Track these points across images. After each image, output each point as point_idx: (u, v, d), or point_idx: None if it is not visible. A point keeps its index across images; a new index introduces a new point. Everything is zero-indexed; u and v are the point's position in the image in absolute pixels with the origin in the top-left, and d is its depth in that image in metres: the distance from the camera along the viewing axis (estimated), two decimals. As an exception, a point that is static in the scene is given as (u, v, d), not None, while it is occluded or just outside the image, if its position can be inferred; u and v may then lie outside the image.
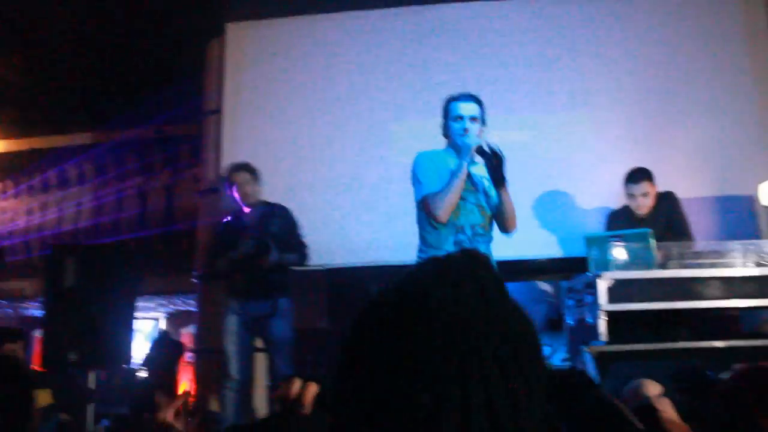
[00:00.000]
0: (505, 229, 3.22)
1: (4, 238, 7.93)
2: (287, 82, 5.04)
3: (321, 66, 5.04)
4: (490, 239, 3.17)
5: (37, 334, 6.22)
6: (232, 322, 3.86)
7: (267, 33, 5.17)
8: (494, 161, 3.00)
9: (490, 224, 3.19)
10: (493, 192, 3.14)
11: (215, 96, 5.23)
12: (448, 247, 3.05)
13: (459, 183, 3.05)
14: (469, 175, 3.11)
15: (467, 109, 3.14)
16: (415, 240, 3.24)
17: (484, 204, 3.15)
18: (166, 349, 5.13)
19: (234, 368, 3.81)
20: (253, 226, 3.97)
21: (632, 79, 4.91)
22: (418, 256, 3.18)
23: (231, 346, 3.83)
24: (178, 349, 5.64)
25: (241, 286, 3.88)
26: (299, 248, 4.01)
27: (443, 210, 3.05)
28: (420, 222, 3.23)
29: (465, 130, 3.10)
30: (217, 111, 5.15)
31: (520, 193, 3.01)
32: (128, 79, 6.72)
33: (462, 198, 3.09)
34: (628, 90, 4.89)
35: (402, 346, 0.59)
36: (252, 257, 3.83)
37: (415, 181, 3.23)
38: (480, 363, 0.58)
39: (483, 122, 3.18)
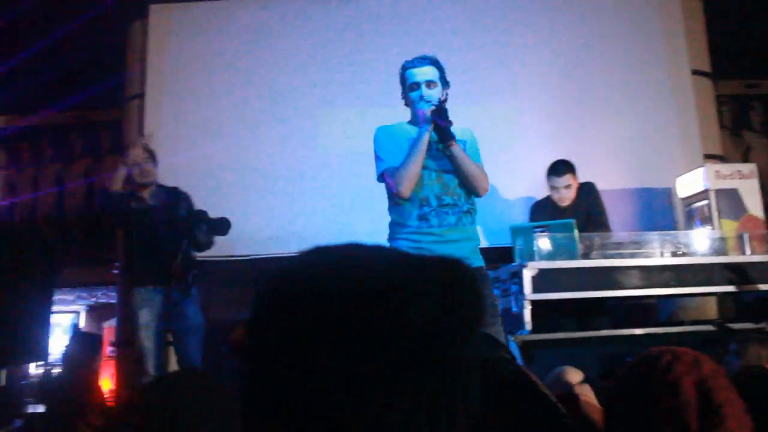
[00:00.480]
0: (473, 191, 2.91)
1: None
2: (213, 67, 4.88)
3: (248, 50, 4.91)
4: (463, 210, 2.88)
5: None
6: (145, 316, 3.68)
7: (192, 15, 4.99)
8: (435, 115, 2.78)
9: (466, 193, 2.91)
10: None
11: (138, 80, 5.02)
12: (412, 222, 2.83)
13: (418, 153, 2.80)
14: (432, 142, 2.87)
15: (422, 73, 2.89)
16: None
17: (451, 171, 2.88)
18: (81, 343, 4.91)
19: (151, 364, 3.65)
20: (161, 209, 3.81)
21: (556, 73, 4.99)
22: (388, 236, 2.96)
23: (147, 341, 3.66)
24: (95, 343, 5.40)
25: (156, 273, 3.70)
26: (221, 223, 3.88)
27: (403, 184, 2.81)
28: (388, 200, 3.00)
29: (421, 97, 2.87)
30: (140, 95, 4.94)
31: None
32: (47, 62, 6.39)
33: (424, 167, 2.84)
34: (551, 84, 4.96)
35: (344, 353, 0.51)
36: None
37: (376, 157, 2.98)
38: (442, 388, 0.52)
39: (444, 83, 2.94)
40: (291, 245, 4.49)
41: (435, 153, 2.88)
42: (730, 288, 3.47)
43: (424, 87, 2.88)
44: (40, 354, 4.97)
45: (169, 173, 4.64)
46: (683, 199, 4.65)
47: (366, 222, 4.39)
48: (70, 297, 7.42)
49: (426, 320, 0.52)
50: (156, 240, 3.73)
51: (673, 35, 5.15)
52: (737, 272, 3.46)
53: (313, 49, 4.92)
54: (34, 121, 7.31)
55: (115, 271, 4.94)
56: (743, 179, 4.34)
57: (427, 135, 2.81)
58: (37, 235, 6.51)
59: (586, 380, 2.07)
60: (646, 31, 5.15)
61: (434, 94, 2.87)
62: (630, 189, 4.83)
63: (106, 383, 6.82)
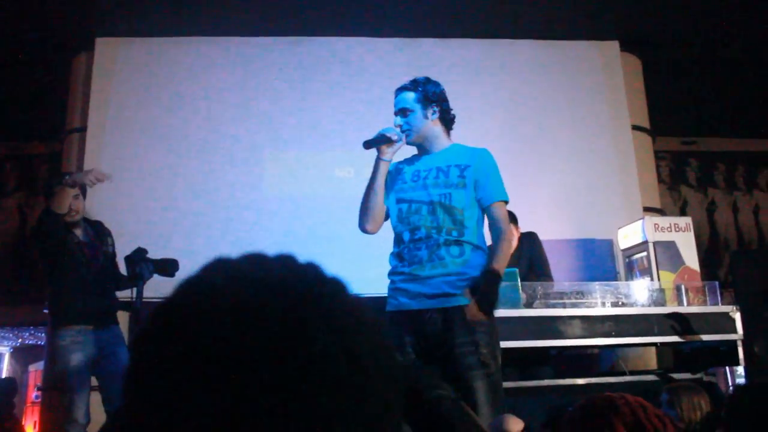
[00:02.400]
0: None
1: None
2: (157, 103, 4.82)
3: (193, 88, 4.87)
4: (439, 242, 2.58)
5: None
6: (77, 360, 3.49)
7: (138, 50, 4.94)
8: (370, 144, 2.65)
9: (451, 223, 2.61)
10: (442, 181, 2.66)
11: (79, 113, 4.91)
12: (392, 261, 2.69)
13: (370, 185, 2.68)
14: (401, 170, 2.72)
15: (396, 102, 2.77)
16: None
17: (436, 200, 2.62)
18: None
19: (81, 412, 3.45)
20: (91, 245, 3.68)
21: (502, 124, 5.11)
22: None
23: (78, 387, 3.46)
24: (8, 388, 5.13)
25: (87, 312, 3.54)
26: (166, 264, 3.76)
27: (360, 219, 2.70)
28: None
29: (397, 127, 2.73)
30: (81, 129, 4.83)
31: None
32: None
33: (402, 200, 2.66)
34: (495, 136, 5.05)
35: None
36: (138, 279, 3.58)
37: None
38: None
39: (426, 103, 2.72)
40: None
41: (412, 183, 2.71)
42: (669, 338, 3.54)
43: (398, 117, 2.74)
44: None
45: (107, 210, 4.52)
46: (624, 250, 4.77)
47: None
48: (-7, 337, 7.05)
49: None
50: (87, 278, 3.58)
51: (614, 92, 5.37)
52: (675, 323, 3.54)
53: (258, 89, 4.92)
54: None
55: (45, 310, 4.72)
56: (680, 232, 4.49)
57: (382, 165, 2.68)
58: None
59: (527, 429, 2.06)
60: (589, 87, 5.35)
61: (409, 120, 2.71)
62: (572, 239, 4.94)
63: (30, 431, 6.47)
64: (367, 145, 2.68)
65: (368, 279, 4.22)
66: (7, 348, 7.63)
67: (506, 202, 2.72)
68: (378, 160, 2.69)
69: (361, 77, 5.01)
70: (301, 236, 4.63)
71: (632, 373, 3.85)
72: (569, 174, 5.10)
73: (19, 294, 6.37)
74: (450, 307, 2.53)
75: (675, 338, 3.54)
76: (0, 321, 6.40)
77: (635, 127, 5.40)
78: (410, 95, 2.75)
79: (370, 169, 2.75)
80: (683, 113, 6.46)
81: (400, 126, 2.72)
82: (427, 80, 2.79)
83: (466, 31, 5.25)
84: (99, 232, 3.76)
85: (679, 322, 3.54)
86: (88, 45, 4.96)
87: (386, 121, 2.90)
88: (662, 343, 3.69)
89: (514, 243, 4.05)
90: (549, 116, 5.21)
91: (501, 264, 2.60)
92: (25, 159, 6.90)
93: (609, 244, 4.97)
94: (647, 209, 5.14)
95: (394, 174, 2.76)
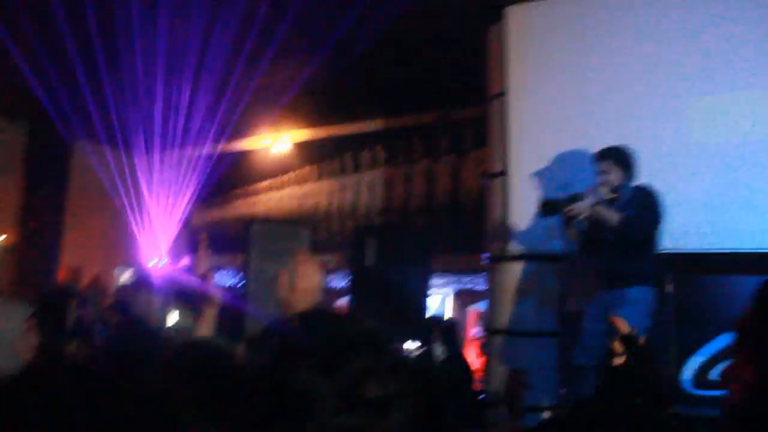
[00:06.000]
0: None
1: (313, 215, 8.98)
2: (572, 62, 4.81)
3: (605, 42, 4.74)
4: None
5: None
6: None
7: (548, 13, 4.99)
8: None
9: None
10: None
11: (498, 79, 5.22)
12: None
13: None
14: None
15: None
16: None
17: None
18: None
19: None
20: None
21: None
22: None
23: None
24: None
25: (602, 271, 3.83)
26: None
27: None
28: None
29: None
30: (502, 94, 5.14)
31: None
32: (414, 69, 7.10)
33: None
34: None
35: None
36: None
37: None
38: None
39: None
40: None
41: None
42: None
43: None
44: (420, 333, 5.50)
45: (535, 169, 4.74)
46: None
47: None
48: (439, 281, 8.17)
49: None
50: None
51: None
52: None
53: (681, 35, 4.54)
54: (405, 122, 8.20)
55: (485, 261, 5.29)
56: None
57: None
58: (412, 227, 7.31)
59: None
60: None
61: None
62: None
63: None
64: None
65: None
66: (452, 290, 8.76)
67: None
68: None
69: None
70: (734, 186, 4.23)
71: None
72: None
73: (456, 244, 7.23)
74: None
75: None
76: (443, 267, 7.35)
77: None
78: None
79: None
80: None
81: None
82: None
83: None
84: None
85: None
86: (498, 16, 5.21)
87: None
88: None
89: None
90: None
91: None
92: (453, 125, 7.71)
93: None
94: None
95: None
